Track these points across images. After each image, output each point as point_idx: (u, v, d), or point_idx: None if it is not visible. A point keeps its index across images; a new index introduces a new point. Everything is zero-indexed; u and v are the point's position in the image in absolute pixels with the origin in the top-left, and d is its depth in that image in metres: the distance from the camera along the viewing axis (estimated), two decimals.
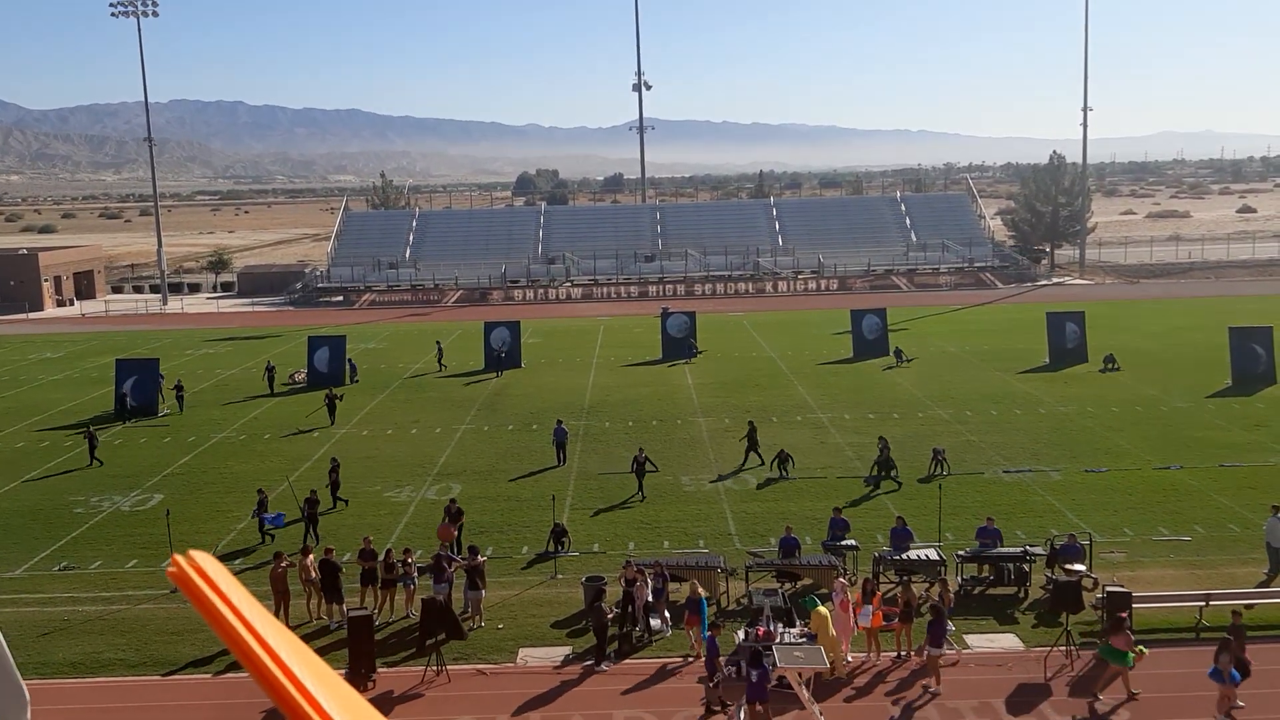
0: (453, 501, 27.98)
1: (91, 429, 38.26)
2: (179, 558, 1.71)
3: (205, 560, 1.73)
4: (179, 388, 45.20)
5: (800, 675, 18.50)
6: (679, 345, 54.44)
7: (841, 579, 21.61)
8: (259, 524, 27.96)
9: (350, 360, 51.08)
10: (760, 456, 33.80)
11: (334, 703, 1.63)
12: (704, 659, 19.23)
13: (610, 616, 20.94)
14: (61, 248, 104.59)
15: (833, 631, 19.92)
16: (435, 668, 20.09)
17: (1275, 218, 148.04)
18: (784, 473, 32.45)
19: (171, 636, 22.12)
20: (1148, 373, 46.98)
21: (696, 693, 19.42)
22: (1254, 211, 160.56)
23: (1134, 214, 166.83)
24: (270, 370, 48.49)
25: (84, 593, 24.82)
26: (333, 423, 41.83)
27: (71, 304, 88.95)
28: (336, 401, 42.86)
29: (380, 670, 20.38)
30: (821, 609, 20.15)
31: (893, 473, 31.57)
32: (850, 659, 20.39)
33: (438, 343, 56.04)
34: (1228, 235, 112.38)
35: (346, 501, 30.51)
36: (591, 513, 29.69)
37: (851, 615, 20.47)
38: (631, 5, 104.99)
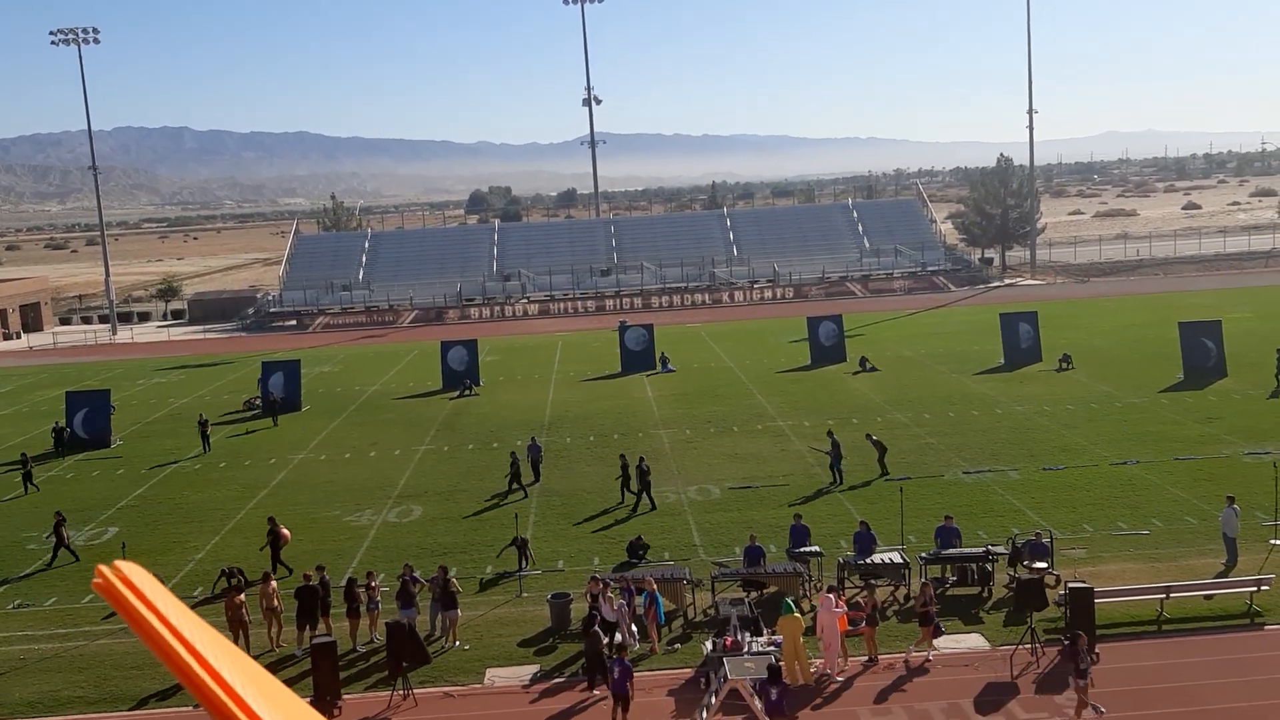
0: (270, 519, 27.82)
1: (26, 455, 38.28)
2: (104, 569, 1.64)
3: (132, 570, 1.66)
4: (58, 429, 42.97)
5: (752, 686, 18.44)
6: (641, 358, 54.44)
7: (829, 595, 21.39)
8: None
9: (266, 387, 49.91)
10: (523, 488, 32.71)
11: (271, 710, 1.57)
12: (612, 680, 18.77)
13: (605, 642, 20.46)
14: (7, 280, 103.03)
15: (800, 640, 19.92)
16: (402, 691, 19.87)
17: (1220, 213, 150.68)
18: (627, 487, 31.38)
19: (131, 671, 21.72)
20: (1101, 370, 47.54)
21: (666, 706, 19.34)
22: (1199, 208, 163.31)
23: (1082, 214, 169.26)
24: (203, 424, 41.93)
25: (40, 630, 24.34)
26: (275, 424, 44.63)
27: (18, 337, 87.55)
28: (276, 404, 45.37)
29: (346, 696, 20.13)
30: (796, 615, 20.14)
31: (633, 488, 30.95)
32: (818, 665, 20.37)
33: (260, 381, 49.56)
34: (1174, 232, 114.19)
35: (77, 556, 28.56)
36: (555, 529, 29.55)
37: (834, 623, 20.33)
38: (579, 20, 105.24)
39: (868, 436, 34.29)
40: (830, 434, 33.90)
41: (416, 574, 23.26)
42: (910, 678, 19.96)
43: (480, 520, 30.62)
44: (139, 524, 32.25)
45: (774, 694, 17.44)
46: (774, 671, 17.66)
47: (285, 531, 27.26)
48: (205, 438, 41.48)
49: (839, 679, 20.06)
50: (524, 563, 25.93)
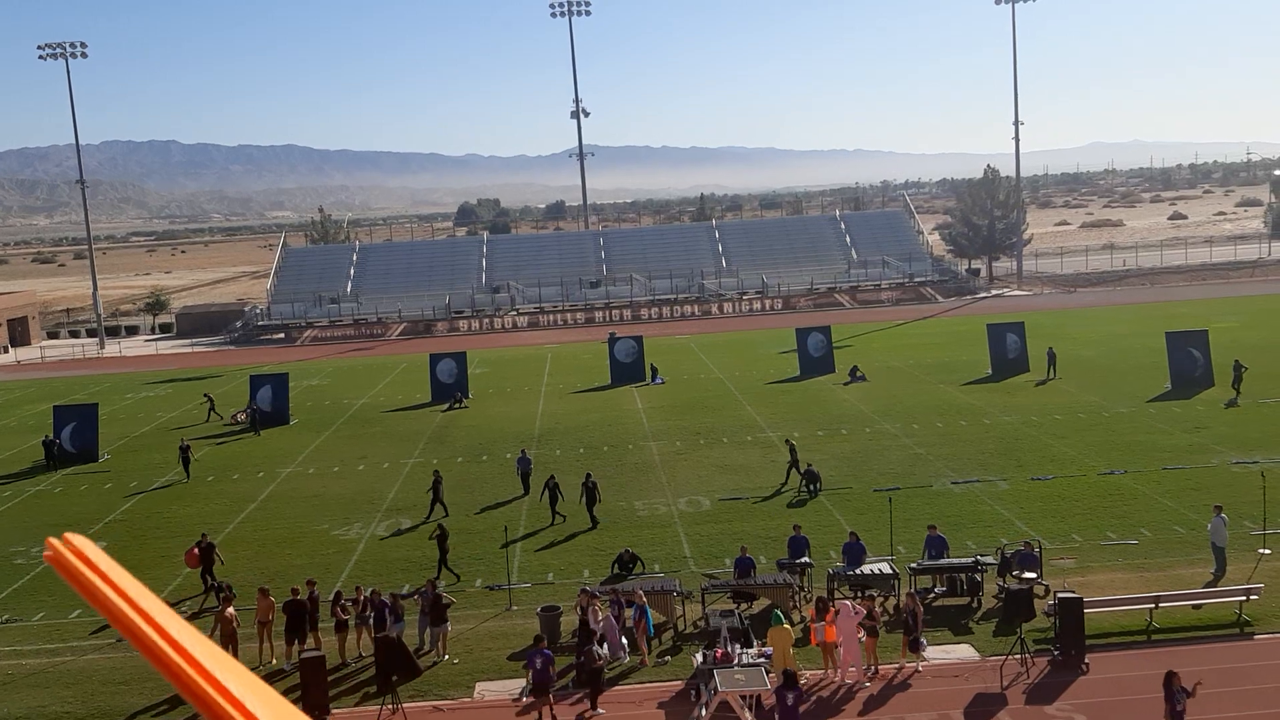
0: (204, 535, 27.80)
1: None
2: (54, 541, 1.65)
3: (83, 543, 1.67)
4: (46, 441, 42.82)
5: (745, 697, 18.42)
6: (631, 370, 54.47)
7: (846, 601, 21.37)
8: None
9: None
10: (444, 507, 32.25)
11: (228, 674, 1.57)
12: (533, 673, 19.28)
13: (601, 663, 20.23)
14: None
15: (791, 651, 19.91)
16: (391, 706, 19.79)
17: (1206, 223, 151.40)
18: (555, 508, 31.10)
19: (119, 686, 21.62)
20: (1088, 380, 47.69)
21: (656, 718, 19.30)
22: (1184, 218, 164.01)
23: (1068, 224, 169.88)
24: (185, 449, 39.74)
25: (27, 645, 24.22)
26: (257, 433, 45.71)
27: (6, 351, 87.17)
28: (256, 413, 46.36)
29: (335, 711, 20.05)
30: (786, 627, 20.14)
31: (561, 509, 30.92)
32: (811, 675, 20.36)
33: (206, 394, 52.69)
34: (1160, 242, 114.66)
35: None
36: (544, 541, 29.50)
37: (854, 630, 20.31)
38: (567, 33, 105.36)
39: (786, 441, 34.44)
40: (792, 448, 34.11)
41: (400, 591, 23.25)
42: (900, 688, 19.97)
43: (469, 534, 30.53)
44: (127, 538, 32.12)
45: (790, 699, 17.41)
46: (789, 676, 17.66)
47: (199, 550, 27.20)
48: (186, 463, 39.35)
49: (836, 682, 20.10)
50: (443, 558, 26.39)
